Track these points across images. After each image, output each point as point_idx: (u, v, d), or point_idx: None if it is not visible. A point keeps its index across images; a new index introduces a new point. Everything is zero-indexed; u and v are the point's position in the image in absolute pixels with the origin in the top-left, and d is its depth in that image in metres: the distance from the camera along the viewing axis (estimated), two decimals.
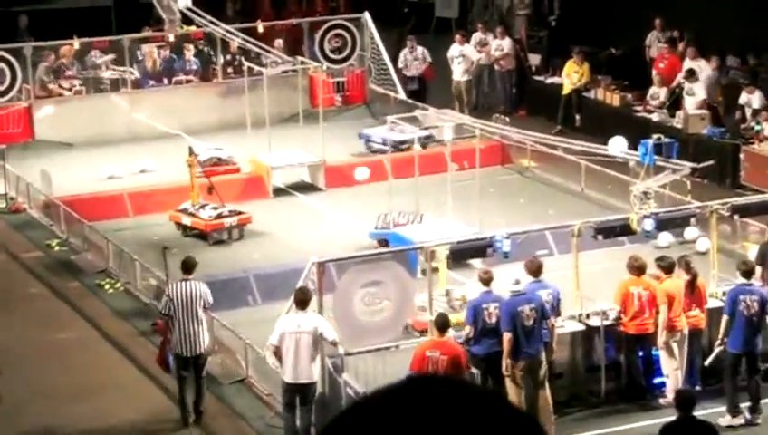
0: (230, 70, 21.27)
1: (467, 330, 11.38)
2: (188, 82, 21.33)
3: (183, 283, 11.45)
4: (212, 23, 20.35)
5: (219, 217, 16.06)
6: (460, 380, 1.75)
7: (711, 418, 11.19)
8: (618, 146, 13.58)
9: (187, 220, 16.19)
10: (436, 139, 16.55)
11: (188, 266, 11.64)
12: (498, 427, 1.65)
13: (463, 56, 21.84)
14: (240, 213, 16.28)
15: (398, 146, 17.75)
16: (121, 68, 20.73)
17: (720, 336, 11.47)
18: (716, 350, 11.53)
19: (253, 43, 19.75)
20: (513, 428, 1.67)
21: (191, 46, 21.35)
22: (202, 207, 16.18)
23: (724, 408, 11.33)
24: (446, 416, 1.64)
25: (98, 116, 20.11)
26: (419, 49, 21.96)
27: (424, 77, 21.92)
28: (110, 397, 12.17)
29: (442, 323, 10.85)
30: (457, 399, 1.66)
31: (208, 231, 15.95)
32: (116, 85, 20.81)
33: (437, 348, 10.71)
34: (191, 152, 16.24)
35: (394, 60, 22.32)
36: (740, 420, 11.23)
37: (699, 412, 11.38)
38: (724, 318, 11.43)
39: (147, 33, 22.18)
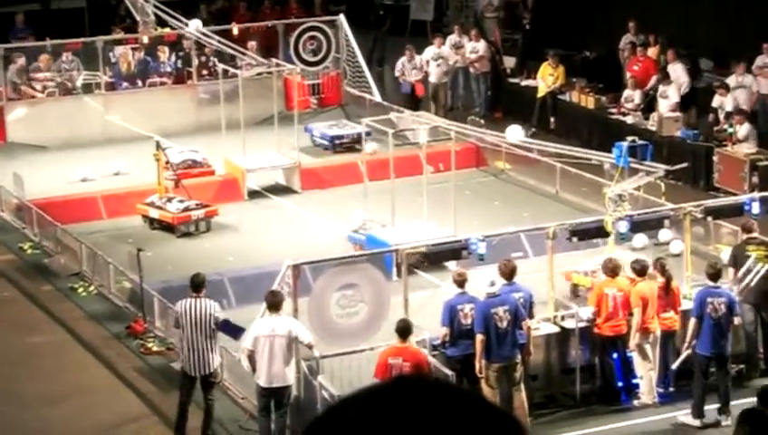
0: (205, 72, 21.22)
1: (444, 332, 11.38)
2: (163, 84, 21.26)
3: (193, 300, 11.13)
4: (186, 25, 20.28)
5: (186, 209, 16.15)
6: (440, 380, 1.76)
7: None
8: (515, 134, 13.90)
9: (154, 213, 16.27)
10: (411, 141, 16.57)
11: (197, 284, 11.27)
12: (480, 427, 1.65)
13: (441, 58, 21.85)
14: (207, 206, 16.41)
15: (335, 141, 19.12)
16: (93, 73, 20.64)
17: (688, 339, 11.53)
18: (684, 353, 11.59)
19: (227, 46, 19.70)
20: (494, 427, 1.66)
21: (165, 48, 21.29)
22: (169, 199, 16.29)
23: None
24: (428, 417, 1.64)
25: (71, 118, 20.01)
26: (418, 58, 21.60)
27: (415, 92, 21.44)
28: (83, 400, 12.09)
29: (403, 329, 10.82)
30: (439, 399, 1.67)
31: (176, 224, 16.04)
32: (89, 87, 20.70)
33: (399, 355, 10.70)
34: (158, 146, 16.31)
35: (369, 62, 22.28)
36: (697, 423, 11.28)
37: (670, 414, 11.48)
38: (692, 321, 11.49)
39: (120, 34, 22.08)
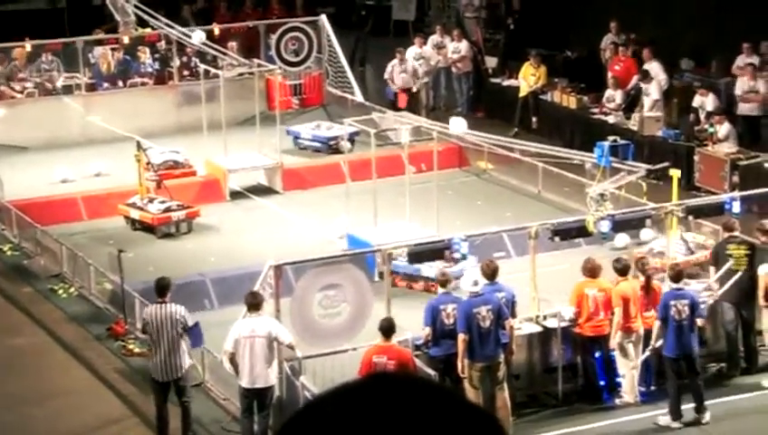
0: (186, 72, 21.15)
1: (426, 332, 11.37)
2: (143, 84, 21.17)
3: (159, 306, 11.02)
4: (168, 25, 20.21)
5: (167, 210, 16.12)
6: (419, 377, 1.74)
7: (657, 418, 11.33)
8: (458, 126, 14.53)
9: (135, 214, 16.23)
10: (394, 141, 16.57)
11: (162, 288, 11.14)
12: (458, 424, 1.64)
13: (423, 58, 21.82)
14: (188, 207, 16.38)
15: (328, 142, 18.96)
16: (73, 74, 20.53)
17: (652, 342, 11.57)
18: (646, 353, 11.63)
19: (209, 46, 19.63)
20: (472, 425, 1.64)
21: (146, 49, 21.20)
22: (150, 200, 16.25)
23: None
24: (405, 413, 1.62)
25: (51, 119, 19.90)
26: (410, 63, 21.25)
27: (398, 102, 21.00)
28: (64, 402, 12.03)
29: (387, 328, 10.81)
30: (417, 396, 1.65)
31: (156, 225, 16.00)
32: (69, 88, 20.59)
33: (384, 353, 10.68)
34: (139, 147, 16.26)
35: (351, 62, 22.24)
36: (677, 425, 11.30)
37: (652, 412, 11.51)
38: (656, 324, 11.53)
39: (100, 35, 21.97)
